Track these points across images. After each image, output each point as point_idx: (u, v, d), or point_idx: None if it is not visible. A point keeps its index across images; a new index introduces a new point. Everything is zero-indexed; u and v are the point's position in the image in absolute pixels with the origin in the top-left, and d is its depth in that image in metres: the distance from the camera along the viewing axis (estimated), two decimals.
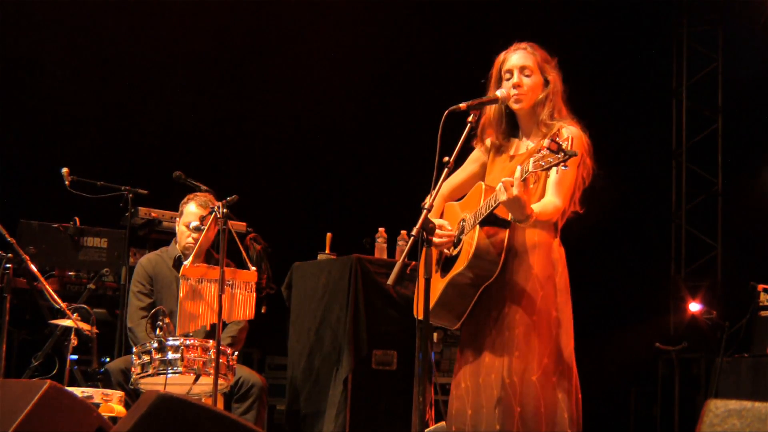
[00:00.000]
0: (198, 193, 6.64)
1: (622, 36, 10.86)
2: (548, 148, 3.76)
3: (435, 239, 4.29)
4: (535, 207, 4.11)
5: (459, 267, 4.24)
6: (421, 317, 4.41)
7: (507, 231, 4.23)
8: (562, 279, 4.34)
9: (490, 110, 4.52)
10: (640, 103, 11.10)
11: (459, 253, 4.30)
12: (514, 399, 4.15)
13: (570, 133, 4.21)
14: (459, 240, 4.34)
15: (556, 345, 4.23)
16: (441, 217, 4.57)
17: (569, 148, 3.75)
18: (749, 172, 10.39)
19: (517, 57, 4.44)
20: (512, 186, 3.91)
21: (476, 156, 4.62)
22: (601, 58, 10.41)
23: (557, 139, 3.77)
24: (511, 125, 4.52)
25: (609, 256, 10.54)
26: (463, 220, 4.37)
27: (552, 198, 4.22)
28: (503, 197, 3.96)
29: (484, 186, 4.34)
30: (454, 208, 4.54)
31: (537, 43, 4.54)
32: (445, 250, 4.38)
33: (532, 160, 3.83)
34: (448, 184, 4.61)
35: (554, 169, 3.94)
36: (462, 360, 4.40)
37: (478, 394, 4.25)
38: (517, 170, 3.92)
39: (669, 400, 9.98)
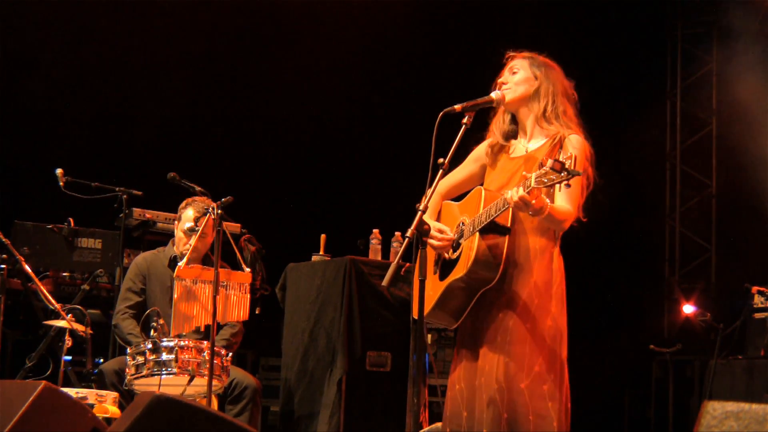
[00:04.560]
0: (197, 198, 6.63)
1: (616, 37, 10.87)
2: (552, 168, 3.78)
3: (434, 242, 4.34)
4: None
5: (459, 273, 4.25)
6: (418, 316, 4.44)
7: (506, 238, 4.25)
8: (559, 288, 4.34)
9: (496, 114, 4.57)
10: (635, 104, 11.12)
11: (458, 257, 4.30)
12: (502, 405, 4.15)
13: (574, 147, 4.26)
14: (458, 244, 4.35)
15: (549, 353, 4.23)
16: (438, 215, 4.58)
17: (572, 167, 3.77)
18: (743, 174, 10.40)
19: (510, 63, 4.55)
20: (517, 194, 3.95)
21: (477, 156, 4.64)
22: (595, 60, 10.42)
23: (561, 158, 3.78)
24: (515, 129, 4.57)
25: (603, 257, 10.55)
26: (462, 223, 4.39)
27: (565, 205, 4.24)
28: (511, 204, 4.00)
29: (484, 192, 4.35)
30: (452, 208, 4.55)
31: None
32: (444, 254, 4.39)
33: (534, 175, 3.85)
34: (446, 181, 4.64)
35: None
36: (458, 361, 4.42)
37: (473, 396, 4.27)
38: (520, 188, 3.95)
39: (663, 402, 9.99)
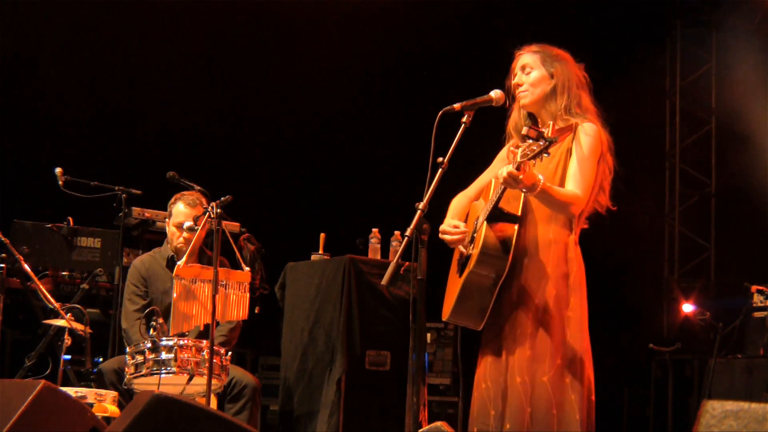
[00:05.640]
0: (185, 192, 6.63)
1: (615, 37, 10.85)
2: (528, 136, 3.80)
3: (447, 237, 4.32)
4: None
5: (471, 265, 4.22)
6: (444, 318, 4.44)
7: (515, 226, 4.23)
8: (576, 278, 4.31)
9: (514, 114, 4.55)
10: (633, 104, 11.10)
11: (473, 251, 4.29)
12: (525, 399, 4.14)
13: (587, 134, 4.28)
14: (473, 238, 4.34)
15: (569, 345, 4.22)
16: (466, 217, 4.54)
17: (549, 135, 3.79)
18: (742, 173, 10.39)
19: (520, 59, 4.52)
20: (505, 171, 3.95)
21: (502, 156, 4.62)
22: (594, 59, 10.39)
23: (537, 127, 3.81)
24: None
25: (602, 257, 10.53)
26: (478, 217, 4.38)
27: (572, 188, 4.23)
28: (501, 181, 4.00)
29: (494, 181, 4.35)
30: (477, 207, 4.53)
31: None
32: (462, 249, 4.36)
33: (520, 150, 3.87)
34: (475, 185, 4.64)
35: (572, 161, 4.15)
36: (482, 359, 4.37)
37: (499, 394, 4.24)
38: (510, 164, 3.96)
39: (662, 401, 9.99)
